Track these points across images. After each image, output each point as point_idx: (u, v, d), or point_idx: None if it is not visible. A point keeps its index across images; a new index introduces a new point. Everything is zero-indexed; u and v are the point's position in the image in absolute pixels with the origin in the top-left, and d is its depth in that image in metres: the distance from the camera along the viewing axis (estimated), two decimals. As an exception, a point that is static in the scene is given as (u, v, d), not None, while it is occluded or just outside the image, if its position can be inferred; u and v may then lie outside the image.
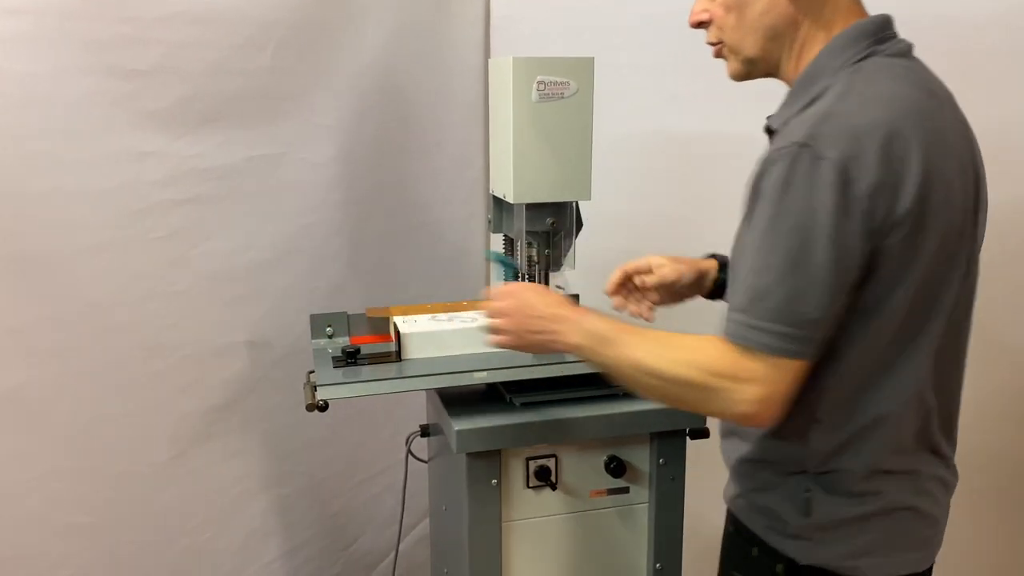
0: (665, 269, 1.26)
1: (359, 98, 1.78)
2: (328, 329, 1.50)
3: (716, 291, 1.29)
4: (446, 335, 1.39)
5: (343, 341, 1.49)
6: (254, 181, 1.61)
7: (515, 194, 1.42)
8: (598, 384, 1.37)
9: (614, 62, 1.56)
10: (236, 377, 1.63)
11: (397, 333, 1.37)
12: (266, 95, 1.61)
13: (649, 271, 1.27)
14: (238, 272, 1.60)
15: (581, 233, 1.55)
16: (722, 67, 1.07)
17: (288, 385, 1.63)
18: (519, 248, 1.50)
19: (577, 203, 1.48)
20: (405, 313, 1.48)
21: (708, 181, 1.93)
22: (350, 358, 1.37)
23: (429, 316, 1.46)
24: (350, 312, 1.53)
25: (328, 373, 1.33)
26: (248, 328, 1.64)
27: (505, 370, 1.34)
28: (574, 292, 1.66)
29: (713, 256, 1.30)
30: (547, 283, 1.51)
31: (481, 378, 1.32)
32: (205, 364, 1.57)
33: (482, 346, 1.38)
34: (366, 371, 1.35)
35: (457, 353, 1.39)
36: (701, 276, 1.27)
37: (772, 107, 1.03)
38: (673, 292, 1.27)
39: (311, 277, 1.74)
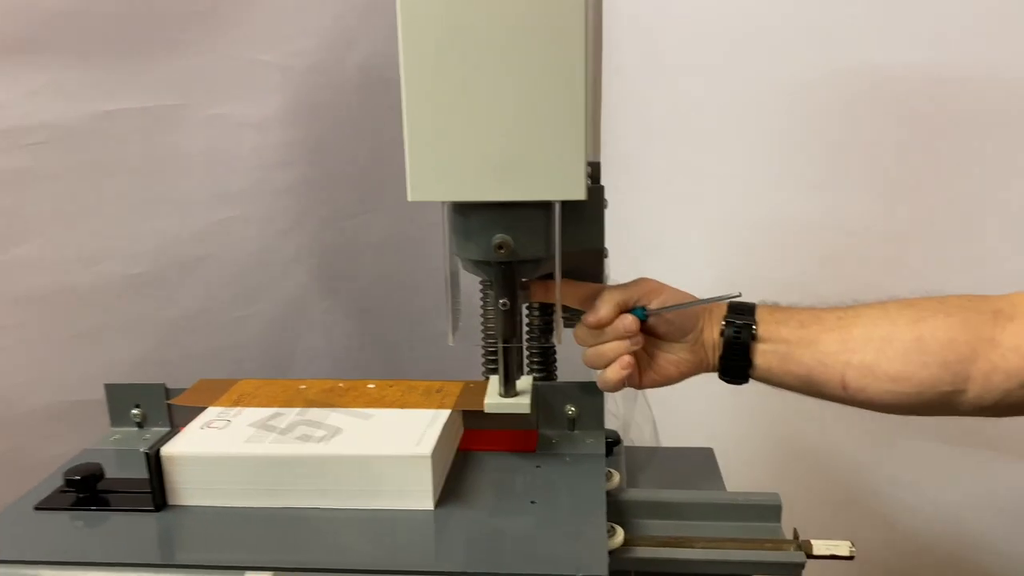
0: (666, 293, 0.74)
1: (335, 18, 1.10)
2: (135, 412, 0.85)
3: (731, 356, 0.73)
4: (244, 464, 0.68)
5: (155, 434, 0.84)
6: (118, 151, 1.00)
7: (412, 183, 0.67)
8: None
9: None
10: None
11: (156, 458, 0.69)
12: (142, 9, 0.99)
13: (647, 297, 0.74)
14: (83, 295, 1.01)
15: (613, 266, 0.78)
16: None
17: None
18: (448, 295, 0.75)
19: (595, 206, 0.70)
20: (239, 400, 0.79)
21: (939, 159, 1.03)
22: (83, 491, 0.71)
23: (269, 413, 0.75)
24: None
25: (19, 522, 0.69)
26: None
27: None
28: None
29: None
30: (506, 376, 0.74)
31: (251, 590, 0.60)
32: (28, 434, 1.00)
33: (330, 491, 0.67)
34: (99, 526, 0.68)
35: (261, 504, 0.68)
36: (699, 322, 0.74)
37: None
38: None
39: (233, 304, 1.10)
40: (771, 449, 1.14)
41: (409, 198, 0.67)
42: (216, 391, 0.81)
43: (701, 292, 0.75)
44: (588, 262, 0.76)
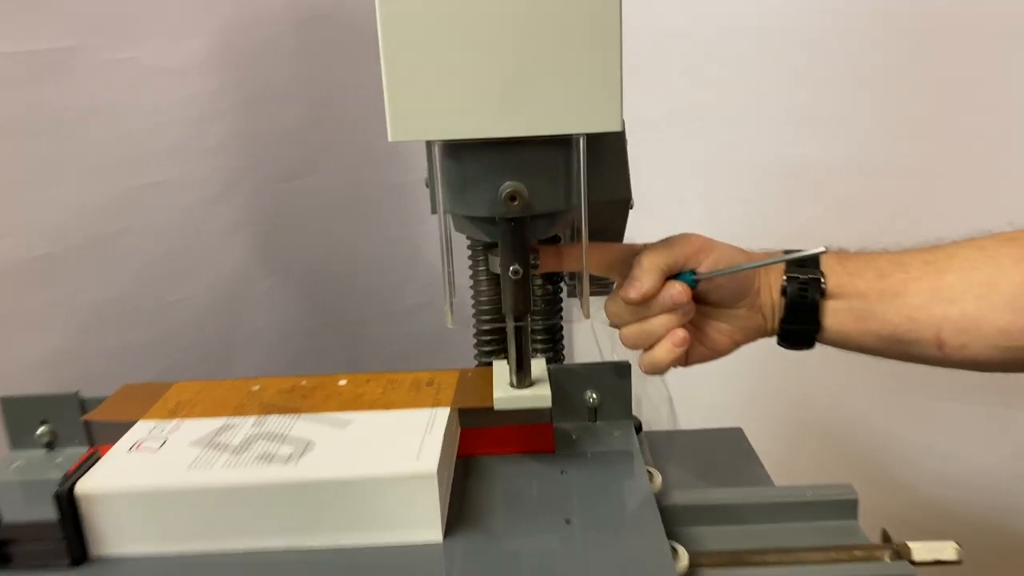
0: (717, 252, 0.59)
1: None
2: (41, 431, 0.67)
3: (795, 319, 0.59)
4: (188, 500, 0.52)
5: (69, 457, 0.66)
6: (3, 106, 0.81)
7: (393, 117, 0.51)
8: None
9: None
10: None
11: (68, 498, 0.52)
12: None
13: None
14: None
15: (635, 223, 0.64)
16: None
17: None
18: (444, 260, 0.59)
19: (618, 144, 0.55)
20: (177, 410, 0.62)
21: None
22: (-28, 546, 0.54)
23: (217, 425, 0.59)
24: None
25: None
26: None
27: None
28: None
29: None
30: (519, 361, 0.59)
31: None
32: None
33: (305, 527, 0.51)
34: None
35: (218, 548, 0.52)
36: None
37: None
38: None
39: (158, 288, 0.93)
40: (793, 423, 1.03)
41: (390, 137, 0.51)
42: (146, 400, 0.64)
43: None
44: (610, 216, 0.61)
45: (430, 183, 0.58)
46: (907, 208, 0.94)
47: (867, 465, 1.00)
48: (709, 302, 0.59)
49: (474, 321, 0.71)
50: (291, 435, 0.57)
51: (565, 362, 0.72)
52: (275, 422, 0.59)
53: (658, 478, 0.61)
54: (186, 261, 0.94)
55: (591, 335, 0.85)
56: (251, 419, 0.59)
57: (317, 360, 1.03)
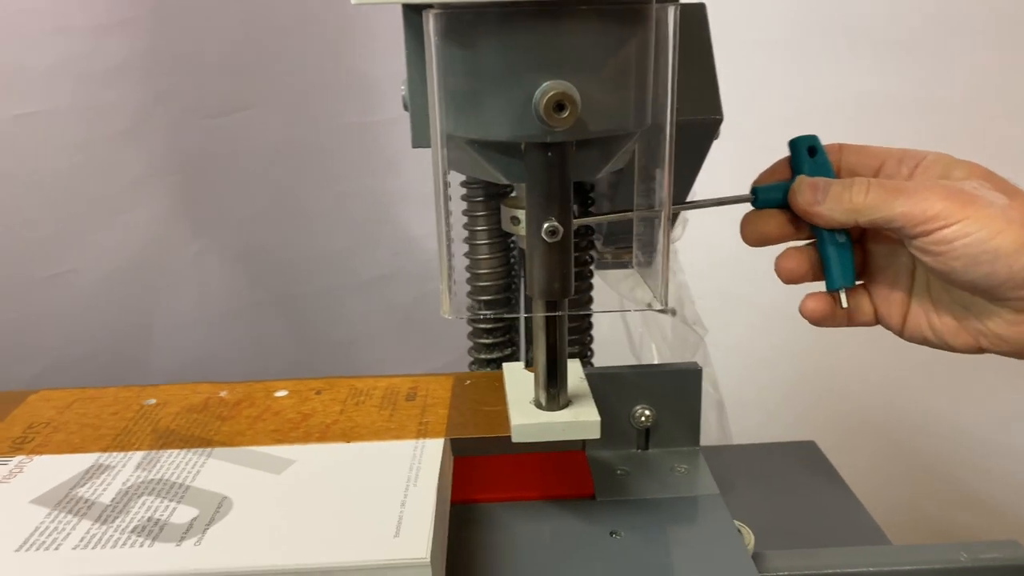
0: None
1: None
2: None
3: None
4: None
5: None
6: None
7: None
8: None
9: None
10: None
11: None
12: None
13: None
14: None
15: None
16: None
17: None
18: (440, 215, 0.37)
19: (704, 45, 0.35)
20: (27, 436, 0.40)
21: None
22: None
23: (82, 466, 0.38)
24: None
25: None
26: None
27: None
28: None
29: None
30: (550, 371, 0.38)
31: None
32: None
33: None
34: None
35: None
36: None
37: None
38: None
39: (37, 257, 0.70)
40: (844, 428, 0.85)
41: None
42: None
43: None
44: (690, 142, 0.41)
45: (409, 100, 0.37)
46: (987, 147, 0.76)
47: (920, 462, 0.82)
48: (952, 280, 0.37)
49: (469, 303, 0.51)
50: (195, 486, 0.36)
51: (592, 361, 0.52)
52: (173, 461, 0.38)
53: (749, 537, 0.42)
54: (73, 220, 0.71)
55: (618, 323, 0.65)
56: (136, 456, 0.38)
57: (258, 353, 0.82)
